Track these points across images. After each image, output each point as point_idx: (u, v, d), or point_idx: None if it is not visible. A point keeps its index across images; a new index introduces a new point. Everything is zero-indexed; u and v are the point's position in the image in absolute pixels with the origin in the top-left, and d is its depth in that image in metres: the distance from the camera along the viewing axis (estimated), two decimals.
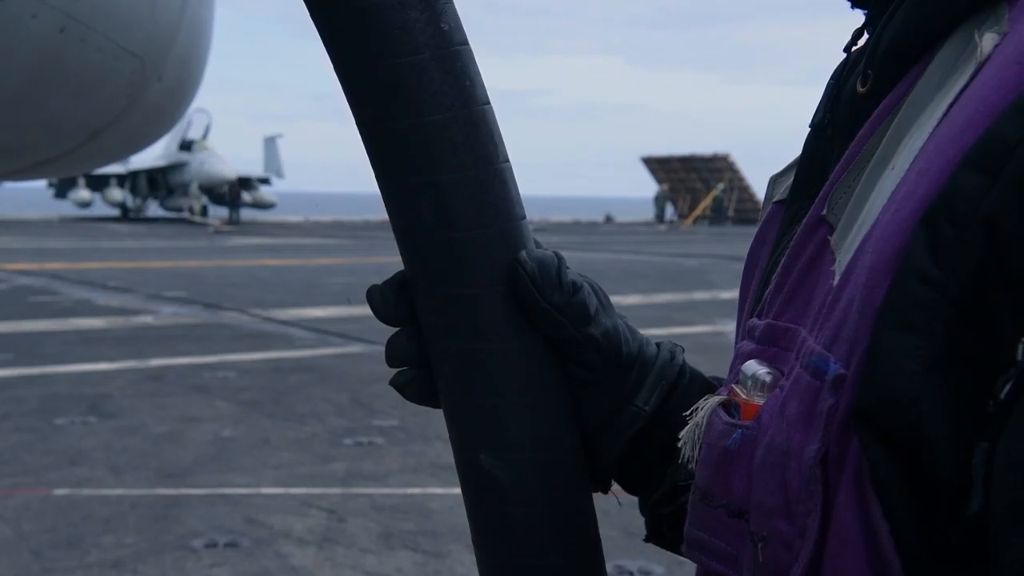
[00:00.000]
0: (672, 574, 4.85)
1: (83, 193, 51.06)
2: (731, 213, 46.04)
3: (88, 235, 34.27)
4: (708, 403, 0.71)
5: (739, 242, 30.77)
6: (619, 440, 0.83)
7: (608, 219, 50.40)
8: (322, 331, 12.27)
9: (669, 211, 48.22)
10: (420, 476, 6.32)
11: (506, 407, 0.79)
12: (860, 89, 0.72)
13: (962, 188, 0.55)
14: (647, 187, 48.12)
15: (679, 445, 0.74)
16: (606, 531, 0.86)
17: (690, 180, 47.66)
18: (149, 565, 4.92)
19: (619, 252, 26.74)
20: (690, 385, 0.84)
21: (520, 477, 0.79)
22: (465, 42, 0.79)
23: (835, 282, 0.62)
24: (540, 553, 0.81)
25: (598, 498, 0.85)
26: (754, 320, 0.72)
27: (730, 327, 12.45)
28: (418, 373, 0.82)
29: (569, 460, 0.81)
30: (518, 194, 0.81)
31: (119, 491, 6.06)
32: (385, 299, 0.80)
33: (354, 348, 10.98)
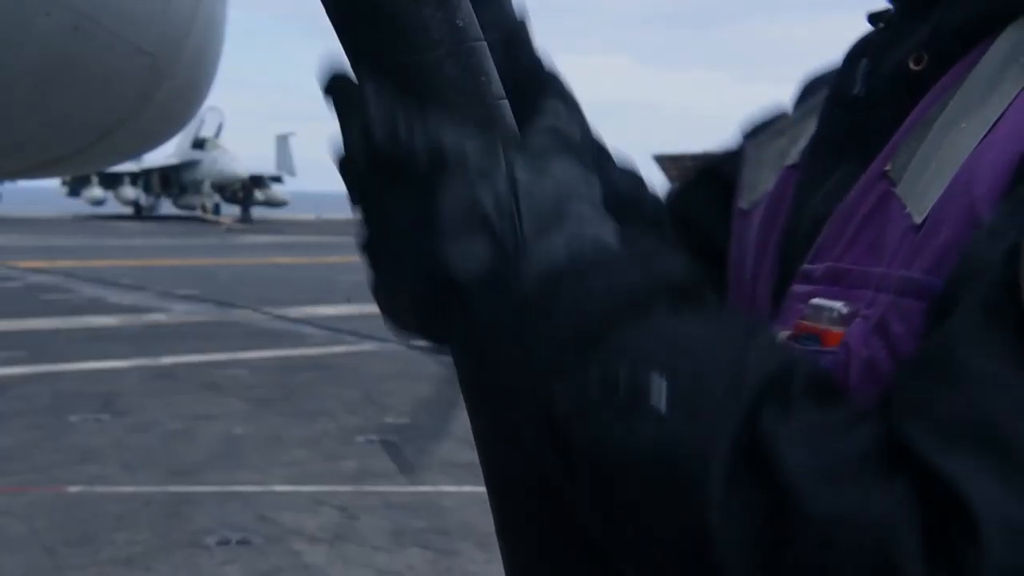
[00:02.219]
0: None
1: (96, 191, 51.28)
2: None
3: (100, 233, 34.38)
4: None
5: None
6: None
7: None
8: (334, 329, 12.28)
9: None
10: (432, 474, 6.32)
11: None
12: (914, 67, 0.77)
13: None
14: (659, 186, 48.14)
15: None
16: None
17: None
18: (161, 562, 4.94)
19: None
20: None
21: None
22: (480, 38, 0.78)
23: (917, 221, 0.69)
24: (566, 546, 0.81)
25: None
26: (809, 266, 0.76)
27: None
28: None
29: None
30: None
31: (131, 488, 6.08)
32: None
33: (366, 346, 10.99)
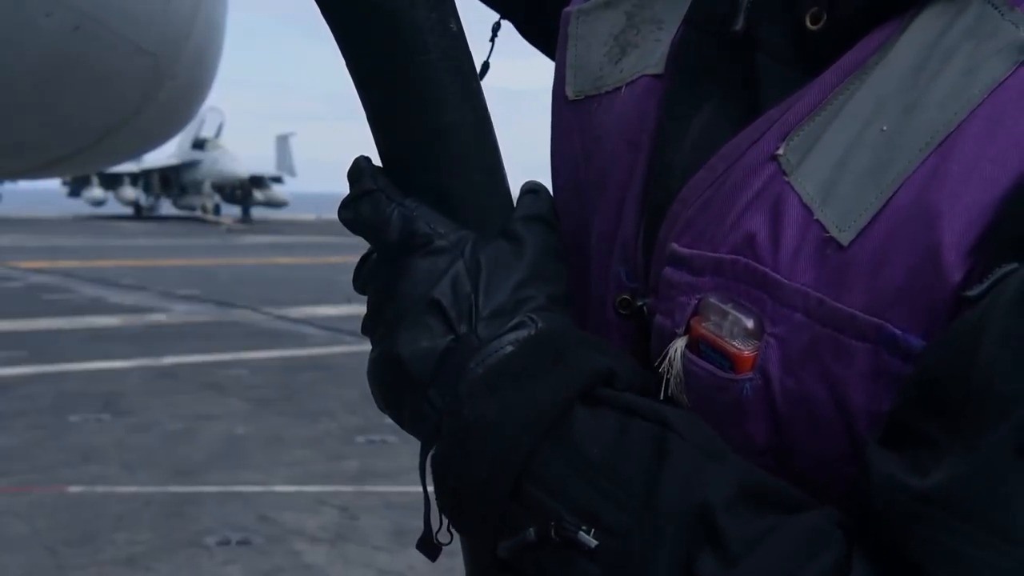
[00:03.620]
0: None
1: (96, 191, 51.27)
2: None
3: (101, 233, 34.38)
4: (676, 350, 0.69)
5: None
6: None
7: None
8: (335, 329, 12.28)
9: None
10: None
11: None
12: (811, 26, 0.70)
13: None
14: None
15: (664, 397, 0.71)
16: None
17: None
18: (162, 562, 4.93)
19: None
20: None
21: None
22: (467, 44, 0.79)
23: (843, 241, 0.62)
24: None
25: None
26: (684, 249, 0.70)
27: None
28: None
29: None
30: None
31: (132, 488, 6.08)
32: None
33: (367, 346, 10.84)
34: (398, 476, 6.26)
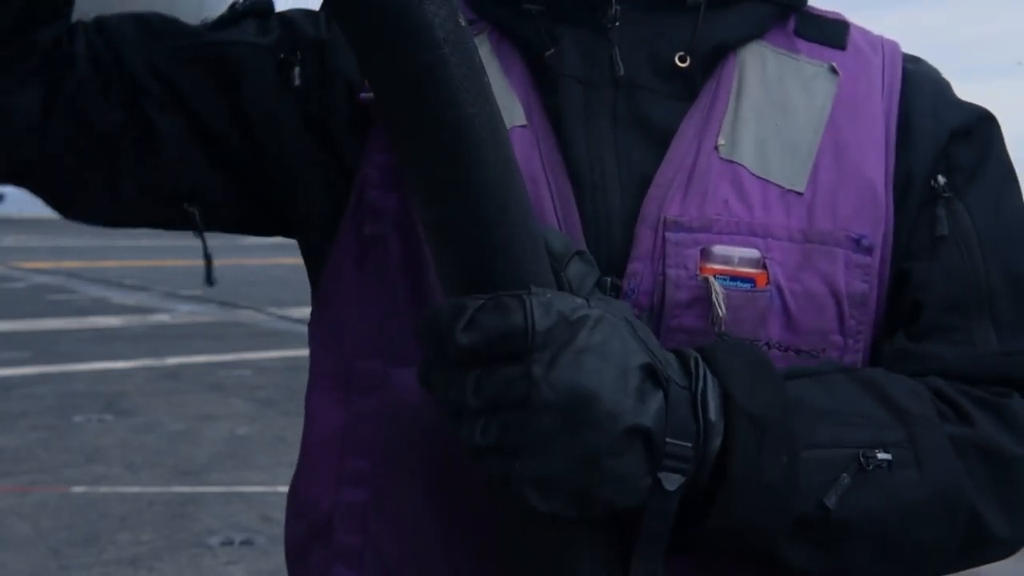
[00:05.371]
0: None
1: None
2: None
3: (104, 234, 34.35)
4: (712, 281, 0.89)
5: None
6: None
7: None
8: None
9: None
10: None
11: None
12: (680, 64, 0.96)
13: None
14: None
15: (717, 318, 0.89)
16: None
17: None
18: (165, 562, 4.94)
19: None
20: None
21: None
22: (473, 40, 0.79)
23: (799, 190, 0.93)
24: None
25: None
26: (676, 216, 0.91)
27: None
28: None
29: None
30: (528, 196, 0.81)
31: (136, 489, 6.08)
32: None
33: None
34: None
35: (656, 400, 0.76)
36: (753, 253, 0.90)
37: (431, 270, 0.85)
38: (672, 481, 0.76)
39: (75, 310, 13.91)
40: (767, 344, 0.90)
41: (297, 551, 1.02)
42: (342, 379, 0.98)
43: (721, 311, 0.88)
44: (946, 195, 0.96)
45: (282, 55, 0.98)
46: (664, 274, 0.89)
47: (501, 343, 0.73)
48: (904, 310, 0.95)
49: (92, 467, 6.51)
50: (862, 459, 0.82)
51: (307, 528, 1.00)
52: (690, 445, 0.77)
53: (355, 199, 0.94)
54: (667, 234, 0.90)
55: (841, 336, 0.92)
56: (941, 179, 0.96)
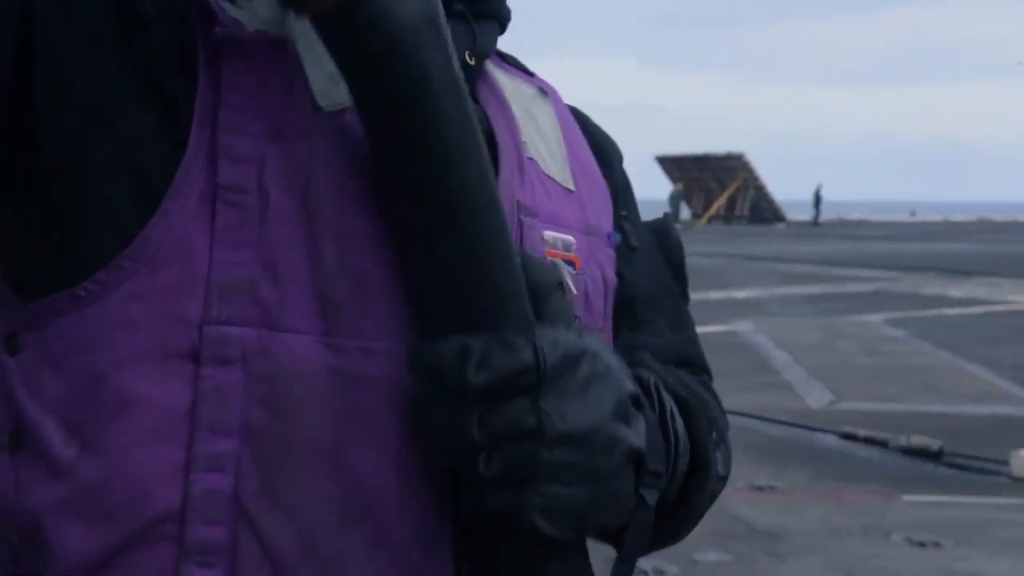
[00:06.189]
0: (687, 574, 4.84)
1: None
2: (745, 212, 45.96)
3: None
4: (560, 263, 0.92)
5: (753, 242, 30.72)
6: None
7: None
8: None
9: (684, 211, 47.82)
10: None
11: None
12: (471, 61, 0.94)
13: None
14: (662, 188, 47.89)
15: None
16: None
17: (704, 179, 47.33)
18: None
19: None
20: None
21: None
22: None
23: (572, 188, 1.00)
24: None
25: None
26: (526, 202, 0.93)
27: (744, 327, 12.44)
28: None
29: None
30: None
31: None
32: None
33: None
34: None
35: (641, 423, 0.83)
36: (570, 239, 0.96)
37: (331, 240, 0.80)
38: (652, 496, 0.84)
39: None
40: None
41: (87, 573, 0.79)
42: (185, 351, 0.78)
43: (573, 291, 0.92)
44: (623, 214, 1.07)
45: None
46: None
47: (513, 380, 0.75)
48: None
49: None
50: (715, 436, 0.98)
51: (119, 538, 0.78)
52: (663, 463, 0.86)
53: (204, 147, 0.80)
54: (521, 217, 0.92)
55: (603, 320, 1.00)
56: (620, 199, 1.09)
